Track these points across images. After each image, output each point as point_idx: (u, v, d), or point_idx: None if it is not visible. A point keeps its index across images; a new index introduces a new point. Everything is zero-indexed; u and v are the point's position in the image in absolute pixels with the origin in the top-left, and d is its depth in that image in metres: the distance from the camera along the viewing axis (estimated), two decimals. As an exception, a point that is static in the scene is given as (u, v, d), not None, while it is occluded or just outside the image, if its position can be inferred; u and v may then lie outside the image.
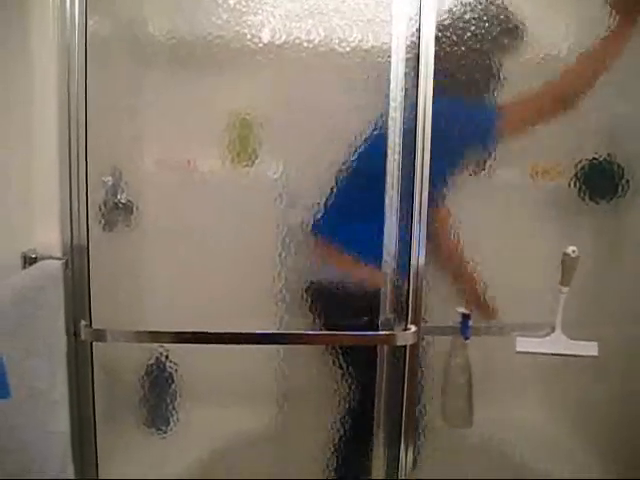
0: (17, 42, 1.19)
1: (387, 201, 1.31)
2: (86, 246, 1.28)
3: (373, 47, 1.33)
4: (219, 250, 1.44)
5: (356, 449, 1.50)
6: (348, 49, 1.33)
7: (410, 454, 1.38)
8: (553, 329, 1.41)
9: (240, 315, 1.39)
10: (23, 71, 1.20)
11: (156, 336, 1.33)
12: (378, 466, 1.44)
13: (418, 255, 1.29)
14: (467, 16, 1.34)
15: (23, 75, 1.21)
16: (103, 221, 1.36)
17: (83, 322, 1.28)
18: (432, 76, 1.24)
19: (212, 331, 1.29)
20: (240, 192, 1.40)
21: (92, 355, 1.32)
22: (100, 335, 1.29)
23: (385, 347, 1.39)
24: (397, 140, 1.30)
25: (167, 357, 1.45)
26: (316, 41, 1.33)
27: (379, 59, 1.32)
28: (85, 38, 1.24)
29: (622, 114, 1.48)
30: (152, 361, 1.45)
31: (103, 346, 1.34)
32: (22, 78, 1.20)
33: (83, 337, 1.28)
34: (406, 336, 1.32)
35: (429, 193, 1.27)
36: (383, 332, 1.36)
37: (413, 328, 1.31)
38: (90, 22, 1.25)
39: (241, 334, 1.31)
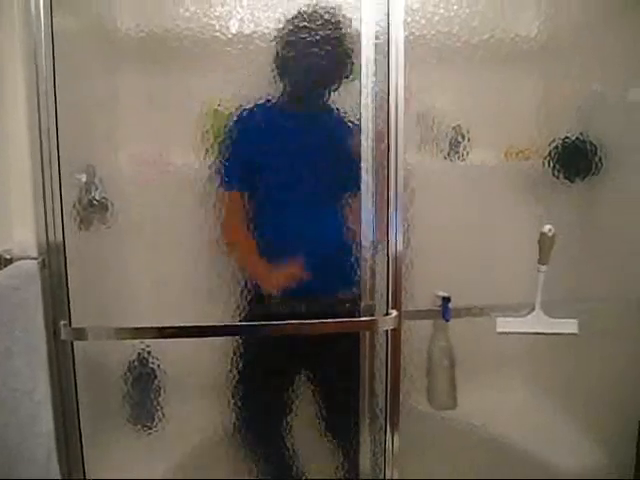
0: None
1: (363, 187, 1.31)
2: (62, 245, 1.27)
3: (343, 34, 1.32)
4: (196, 244, 1.43)
5: (341, 436, 1.50)
6: (317, 37, 1.32)
7: (396, 439, 1.39)
8: (533, 308, 1.43)
9: (219, 308, 1.39)
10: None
11: (137, 332, 1.33)
12: (364, 451, 1.45)
13: (396, 240, 1.29)
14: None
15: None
16: (79, 219, 1.35)
17: (62, 321, 1.27)
18: (403, 61, 1.24)
19: (192, 325, 1.29)
20: (215, 185, 1.39)
21: (73, 354, 1.31)
22: (80, 334, 1.29)
23: (367, 333, 1.40)
24: (370, 126, 1.29)
25: (149, 353, 1.44)
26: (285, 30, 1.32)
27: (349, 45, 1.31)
28: (52, 35, 1.22)
29: (594, 93, 1.50)
30: (134, 357, 1.44)
31: (84, 345, 1.33)
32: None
33: (63, 336, 1.27)
34: (387, 321, 1.32)
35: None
36: (364, 318, 1.36)
37: (394, 313, 1.32)
38: (56, 18, 1.23)
39: (221, 326, 1.31)
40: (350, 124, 1.33)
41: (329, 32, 1.32)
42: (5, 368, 1.07)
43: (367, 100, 1.28)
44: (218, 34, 1.32)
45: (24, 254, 1.23)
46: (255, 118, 1.35)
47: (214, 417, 1.48)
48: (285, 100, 1.36)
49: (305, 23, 1.31)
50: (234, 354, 1.44)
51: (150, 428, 1.48)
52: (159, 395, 1.47)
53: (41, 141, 1.23)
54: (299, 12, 1.31)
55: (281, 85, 1.35)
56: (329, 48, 1.33)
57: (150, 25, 1.35)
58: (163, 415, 1.48)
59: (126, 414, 1.47)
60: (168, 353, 1.45)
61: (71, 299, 1.29)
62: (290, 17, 1.31)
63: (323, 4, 1.31)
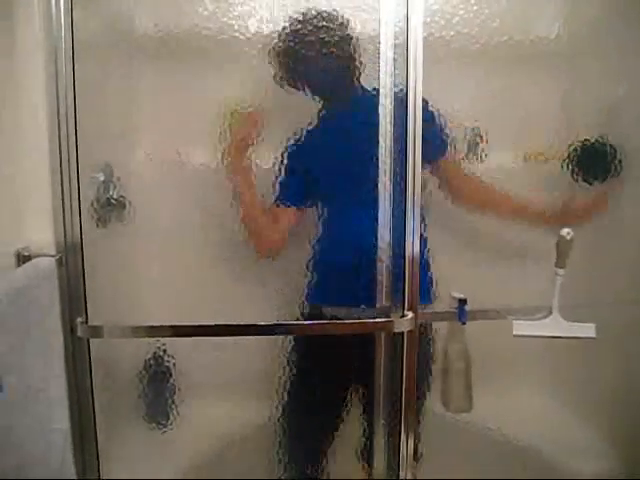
0: (4, 42, 1.19)
1: (380, 187, 1.31)
2: (80, 243, 1.28)
3: (361, 34, 1.32)
4: (213, 243, 1.44)
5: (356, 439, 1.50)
6: (336, 38, 1.32)
7: (411, 442, 1.38)
8: (550, 312, 1.41)
9: (237, 307, 1.39)
10: (11, 70, 1.20)
11: (153, 330, 1.33)
12: (379, 456, 1.44)
13: (413, 241, 1.29)
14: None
15: (11, 74, 1.20)
16: (96, 217, 1.36)
17: (79, 319, 1.28)
18: (421, 62, 1.23)
19: (209, 324, 1.29)
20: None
21: (90, 352, 1.32)
22: (97, 331, 1.29)
23: (382, 335, 1.39)
24: (389, 127, 1.29)
25: (165, 351, 1.45)
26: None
27: (368, 45, 1.31)
28: (72, 34, 1.23)
29: (614, 95, 1.48)
30: (150, 356, 1.45)
31: (100, 342, 1.34)
32: (10, 77, 1.20)
33: (80, 334, 1.28)
34: (404, 323, 1.32)
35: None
36: (380, 320, 1.36)
37: (410, 314, 1.31)
38: (76, 18, 1.24)
39: (238, 326, 1.31)
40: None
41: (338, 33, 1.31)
42: (21, 365, 1.07)
43: (386, 101, 1.28)
44: (237, 34, 1.32)
45: (42, 252, 1.24)
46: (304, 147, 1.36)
47: (230, 417, 1.49)
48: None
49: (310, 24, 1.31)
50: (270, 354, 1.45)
51: (165, 426, 1.49)
52: (174, 394, 1.47)
53: (60, 140, 1.24)
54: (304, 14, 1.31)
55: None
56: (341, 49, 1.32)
57: (168, 24, 1.35)
58: (178, 413, 1.48)
59: (141, 412, 1.47)
60: (184, 352, 1.45)
61: (88, 297, 1.30)
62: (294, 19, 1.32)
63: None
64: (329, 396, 1.50)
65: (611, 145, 1.44)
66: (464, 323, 1.39)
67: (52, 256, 1.24)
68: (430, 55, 1.25)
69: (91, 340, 1.32)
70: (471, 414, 1.46)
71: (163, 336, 1.39)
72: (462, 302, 1.39)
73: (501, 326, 1.42)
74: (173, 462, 1.48)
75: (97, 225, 1.36)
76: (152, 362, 1.45)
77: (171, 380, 1.47)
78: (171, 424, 1.48)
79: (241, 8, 1.31)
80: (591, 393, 1.60)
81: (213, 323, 1.29)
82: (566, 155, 1.43)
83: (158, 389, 1.48)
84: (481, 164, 1.41)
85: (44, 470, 1.13)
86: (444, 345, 1.44)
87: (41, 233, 1.25)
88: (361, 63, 1.33)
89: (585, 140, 1.43)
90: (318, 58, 1.34)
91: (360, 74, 1.34)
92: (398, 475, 1.40)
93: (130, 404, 1.47)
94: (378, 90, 1.30)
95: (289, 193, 1.38)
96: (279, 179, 1.37)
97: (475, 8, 1.34)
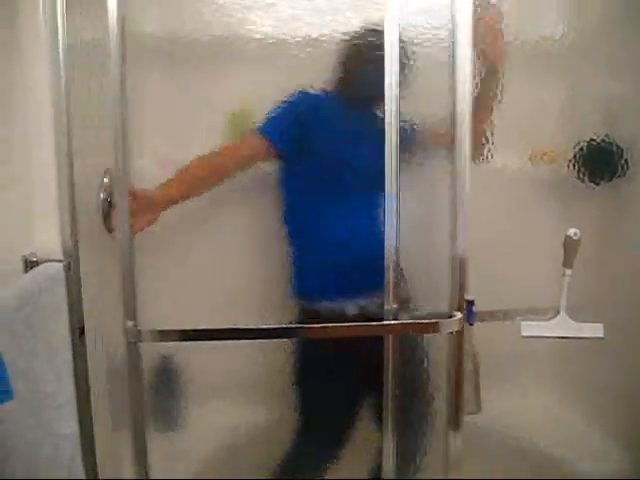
0: (10, 46, 1.19)
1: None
2: (87, 247, 1.28)
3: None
4: (221, 246, 1.44)
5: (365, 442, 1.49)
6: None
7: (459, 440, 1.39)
8: (557, 312, 1.41)
9: (248, 310, 1.39)
10: (17, 74, 1.20)
11: (203, 333, 1.31)
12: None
13: (460, 241, 1.30)
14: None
15: (17, 78, 1.20)
16: (103, 222, 1.36)
17: (130, 323, 1.26)
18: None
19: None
20: (240, 186, 1.39)
21: (137, 356, 1.32)
22: (147, 336, 1.28)
23: (390, 337, 1.38)
24: (394, 138, 1.28)
25: (170, 356, 1.45)
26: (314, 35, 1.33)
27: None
28: (77, 38, 1.23)
29: (619, 94, 1.48)
30: (158, 360, 1.45)
31: (110, 347, 1.34)
32: (16, 81, 1.20)
33: (130, 338, 1.27)
34: (451, 323, 1.31)
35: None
36: (426, 320, 1.34)
37: (458, 315, 1.31)
38: (81, 21, 1.24)
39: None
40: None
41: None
42: (29, 370, 1.07)
43: (391, 93, 1.27)
44: (243, 37, 1.32)
45: (49, 257, 1.24)
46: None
47: (238, 420, 1.48)
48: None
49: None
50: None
51: (173, 431, 1.49)
52: (181, 397, 1.47)
53: (68, 143, 1.24)
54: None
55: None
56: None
57: (173, 28, 1.36)
58: (186, 417, 1.48)
59: (149, 416, 1.47)
60: (191, 356, 1.45)
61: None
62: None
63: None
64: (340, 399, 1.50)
65: (617, 145, 1.44)
66: (472, 324, 1.38)
67: (59, 261, 1.24)
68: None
69: (97, 345, 1.31)
70: (479, 415, 1.45)
71: (213, 339, 1.35)
72: (470, 303, 1.38)
73: (509, 327, 1.41)
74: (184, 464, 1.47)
75: (104, 229, 1.36)
76: (160, 366, 1.46)
77: (177, 384, 1.47)
78: (179, 428, 1.48)
79: (248, 12, 1.31)
80: (600, 394, 1.59)
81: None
82: (572, 155, 1.43)
83: (164, 393, 1.48)
84: (486, 164, 1.40)
85: (53, 473, 1.13)
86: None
87: (48, 238, 1.25)
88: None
89: (591, 140, 1.43)
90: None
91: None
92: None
93: (142, 407, 1.46)
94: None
95: (274, 127, 1.38)
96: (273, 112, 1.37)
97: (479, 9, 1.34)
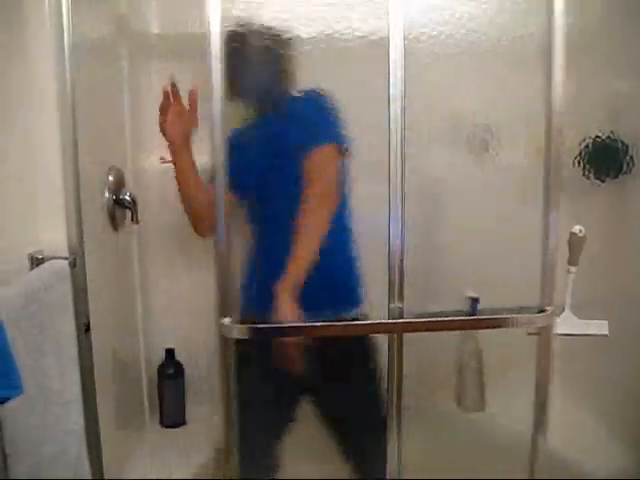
0: (15, 45, 1.19)
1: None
2: (93, 245, 1.28)
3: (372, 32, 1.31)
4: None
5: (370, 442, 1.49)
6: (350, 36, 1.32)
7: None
8: (562, 309, 1.41)
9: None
10: (22, 74, 1.20)
11: (297, 330, 1.29)
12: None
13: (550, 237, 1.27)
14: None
15: (22, 77, 1.21)
16: (108, 219, 1.36)
17: (227, 319, 1.21)
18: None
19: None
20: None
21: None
22: (246, 332, 1.23)
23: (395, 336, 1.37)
24: (399, 135, 1.27)
25: (175, 352, 1.45)
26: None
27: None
28: (82, 36, 1.24)
29: (625, 91, 1.47)
30: (162, 357, 1.45)
31: (114, 343, 1.34)
32: (21, 80, 1.20)
33: (227, 334, 1.22)
34: (544, 318, 1.28)
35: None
36: (523, 315, 1.31)
37: (550, 309, 1.28)
38: (86, 20, 1.24)
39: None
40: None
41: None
42: (36, 367, 1.08)
43: (395, 92, 1.26)
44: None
45: (55, 254, 1.24)
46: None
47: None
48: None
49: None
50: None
51: (177, 427, 1.49)
52: (186, 395, 1.48)
53: (73, 141, 1.25)
54: None
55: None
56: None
57: (175, 26, 1.36)
58: (191, 417, 1.48)
59: (155, 414, 1.48)
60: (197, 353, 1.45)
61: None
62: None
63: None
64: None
65: (622, 141, 1.43)
66: (477, 321, 1.38)
67: (65, 258, 1.24)
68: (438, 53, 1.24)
69: (103, 340, 1.32)
70: (484, 413, 1.45)
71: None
72: (475, 301, 1.38)
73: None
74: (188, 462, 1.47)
75: (109, 227, 1.36)
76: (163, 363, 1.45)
77: (182, 381, 1.47)
78: (186, 426, 1.48)
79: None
80: (605, 392, 1.59)
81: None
82: (577, 152, 1.42)
83: (171, 390, 1.47)
84: (492, 161, 1.40)
85: (59, 470, 1.14)
86: (457, 345, 1.43)
87: (54, 236, 1.26)
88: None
89: (596, 137, 1.42)
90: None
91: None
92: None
93: (146, 405, 1.47)
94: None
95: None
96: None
97: (484, 6, 1.33)
